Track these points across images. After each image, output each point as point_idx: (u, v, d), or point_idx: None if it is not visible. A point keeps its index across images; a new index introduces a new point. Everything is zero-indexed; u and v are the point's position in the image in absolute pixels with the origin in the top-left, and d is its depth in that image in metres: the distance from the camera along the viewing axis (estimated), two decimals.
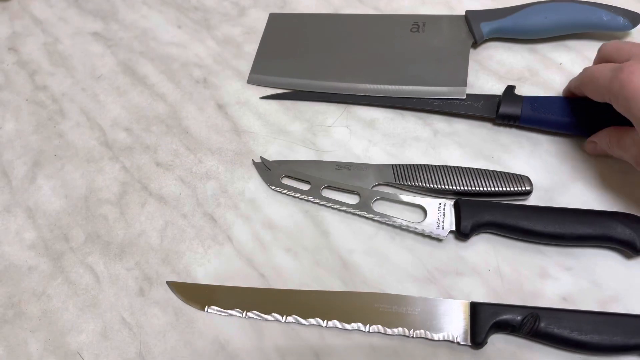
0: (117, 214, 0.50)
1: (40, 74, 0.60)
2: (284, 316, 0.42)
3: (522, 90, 0.51)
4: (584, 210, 0.43)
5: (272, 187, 0.48)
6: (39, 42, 0.62)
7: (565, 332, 0.38)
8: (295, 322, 0.42)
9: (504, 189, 0.44)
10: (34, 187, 0.52)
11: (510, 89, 0.48)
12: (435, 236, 0.44)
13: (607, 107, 0.41)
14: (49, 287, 0.47)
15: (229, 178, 0.50)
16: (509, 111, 0.47)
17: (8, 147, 0.55)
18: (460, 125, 0.50)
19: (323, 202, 0.47)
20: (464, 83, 0.50)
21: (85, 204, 0.50)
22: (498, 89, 0.51)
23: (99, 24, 0.63)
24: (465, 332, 0.40)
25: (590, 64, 0.50)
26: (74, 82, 0.59)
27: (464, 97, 0.50)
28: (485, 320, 0.39)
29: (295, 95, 0.54)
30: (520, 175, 0.45)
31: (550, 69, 0.51)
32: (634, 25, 0.50)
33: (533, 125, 0.48)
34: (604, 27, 0.51)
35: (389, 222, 0.45)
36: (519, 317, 0.39)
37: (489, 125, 0.49)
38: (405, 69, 0.53)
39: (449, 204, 0.45)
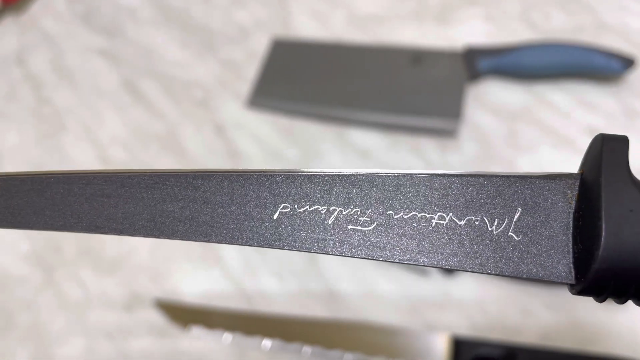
0: None
1: (45, 88, 0.61)
2: (267, 339, 0.43)
3: (515, 128, 0.51)
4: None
5: None
6: (47, 56, 0.64)
7: None
8: (277, 346, 0.43)
9: None
10: None
11: (613, 147, 0.18)
12: (420, 270, 0.45)
13: None
14: (40, 298, 0.47)
15: None
16: (630, 258, 0.16)
17: (10, 158, 0.56)
18: (454, 158, 0.51)
19: None
20: (457, 115, 0.51)
21: None
22: (491, 123, 0.52)
23: (105, 40, 0.64)
24: None
25: (583, 105, 0.51)
26: (78, 97, 0.60)
27: (456, 129, 0.51)
28: (465, 354, 0.40)
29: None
30: None
31: (544, 108, 0.52)
32: (627, 68, 0.51)
33: None
34: (597, 70, 0.51)
35: None
36: (497, 354, 0.39)
37: (481, 160, 0.50)
38: (401, 99, 0.54)
39: None
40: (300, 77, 0.58)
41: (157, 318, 0.45)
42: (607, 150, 0.17)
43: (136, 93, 0.59)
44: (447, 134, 0.52)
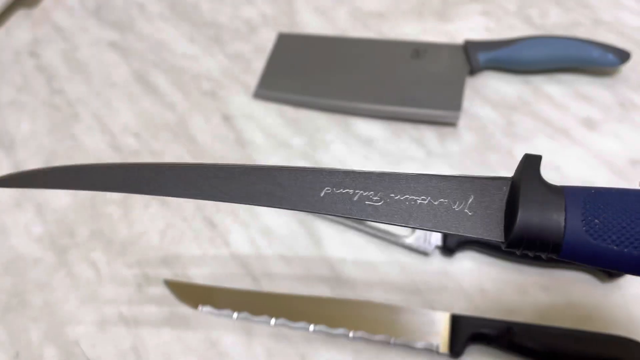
0: (121, 214, 0.52)
1: (57, 79, 0.63)
2: (273, 318, 0.44)
3: (513, 119, 0.53)
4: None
5: None
6: (59, 48, 0.66)
7: (537, 346, 0.40)
8: (283, 324, 0.44)
9: None
10: None
11: (531, 161, 0.26)
12: (422, 250, 0.46)
13: None
14: (53, 279, 0.49)
15: None
16: (535, 227, 0.24)
17: (23, 146, 0.58)
18: (453, 147, 0.52)
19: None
20: (458, 107, 0.53)
21: (91, 203, 0.53)
22: (490, 114, 0.54)
23: (116, 34, 0.66)
24: (444, 342, 0.42)
25: (580, 97, 0.53)
26: (89, 88, 0.62)
27: (456, 120, 0.53)
28: (464, 332, 0.41)
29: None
30: None
31: (541, 100, 0.54)
32: (622, 62, 0.53)
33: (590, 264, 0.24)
34: (593, 63, 0.53)
35: (379, 235, 0.48)
36: (495, 330, 0.41)
37: (480, 149, 0.52)
38: (404, 92, 0.56)
39: None
40: (306, 69, 0.60)
41: (167, 298, 0.46)
42: (527, 163, 0.25)
43: (146, 84, 0.61)
44: (448, 124, 0.54)
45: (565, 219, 0.23)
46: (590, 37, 0.55)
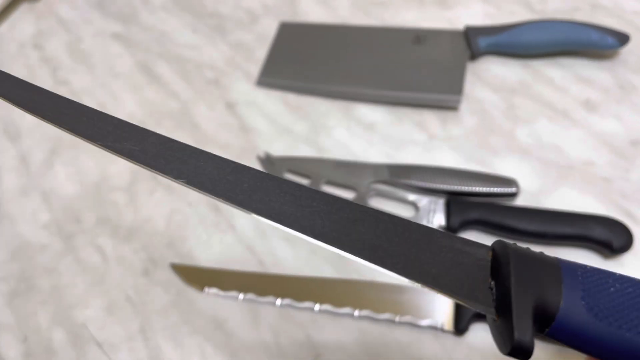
0: (126, 200, 0.53)
1: (62, 70, 0.64)
2: (279, 298, 0.45)
3: (514, 102, 0.54)
4: (566, 212, 0.45)
5: None
6: (63, 40, 0.66)
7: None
8: (289, 305, 0.45)
9: (492, 190, 0.47)
10: (50, 173, 0.55)
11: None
12: None
13: None
14: (60, 264, 0.49)
15: None
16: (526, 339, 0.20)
17: (29, 135, 0.58)
18: (455, 131, 0.53)
19: None
20: (459, 91, 0.53)
21: (97, 190, 0.53)
22: (491, 98, 0.54)
23: (119, 25, 0.67)
24: (449, 320, 0.42)
25: (580, 80, 0.54)
26: (93, 79, 0.62)
27: (458, 104, 0.53)
28: (468, 310, 0.42)
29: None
30: (508, 178, 0.48)
31: (542, 84, 0.54)
32: (621, 45, 0.53)
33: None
34: (593, 46, 0.54)
35: None
36: None
37: (481, 132, 0.52)
38: (405, 77, 0.56)
39: (439, 201, 0.47)
40: (308, 57, 0.60)
41: (174, 281, 0.47)
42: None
43: (150, 74, 0.62)
44: (449, 108, 0.54)
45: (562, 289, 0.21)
46: (589, 21, 0.56)
